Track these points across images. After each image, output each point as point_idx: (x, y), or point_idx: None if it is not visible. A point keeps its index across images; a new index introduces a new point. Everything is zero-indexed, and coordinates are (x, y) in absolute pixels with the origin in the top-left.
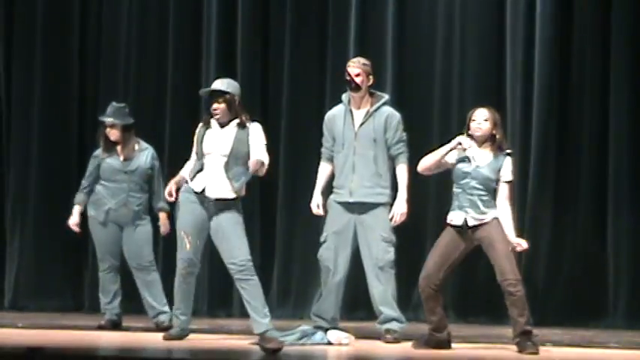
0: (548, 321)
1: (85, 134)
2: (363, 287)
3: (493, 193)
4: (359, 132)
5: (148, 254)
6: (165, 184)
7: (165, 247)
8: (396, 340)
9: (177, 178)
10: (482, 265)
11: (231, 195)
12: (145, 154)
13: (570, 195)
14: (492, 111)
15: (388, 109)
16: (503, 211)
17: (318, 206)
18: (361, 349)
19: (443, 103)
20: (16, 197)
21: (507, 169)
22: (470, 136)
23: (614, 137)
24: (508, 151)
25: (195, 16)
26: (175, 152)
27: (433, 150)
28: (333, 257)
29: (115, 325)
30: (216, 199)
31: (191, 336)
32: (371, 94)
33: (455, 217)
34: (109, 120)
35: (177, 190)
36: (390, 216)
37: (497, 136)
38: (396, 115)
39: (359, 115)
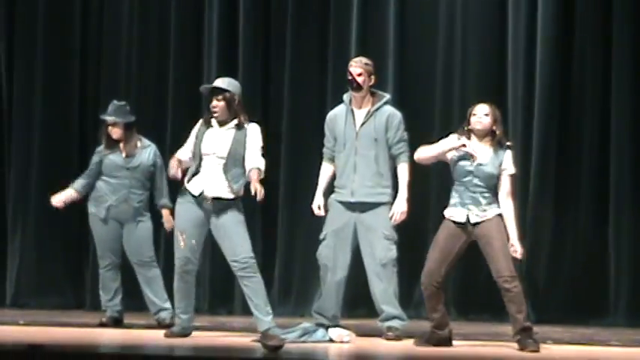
0: (549, 319)
1: (86, 134)
2: (364, 285)
3: (494, 189)
4: (360, 132)
5: (149, 250)
6: (168, 182)
7: (166, 244)
8: (398, 338)
9: (178, 157)
10: (484, 263)
11: (230, 195)
12: (147, 152)
13: (571, 194)
14: (493, 107)
15: (389, 109)
16: (506, 207)
17: (319, 207)
18: (362, 347)
19: (444, 102)
20: (17, 196)
21: (509, 161)
22: (469, 130)
23: (616, 137)
24: (508, 143)
25: (196, 16)
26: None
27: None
28: (331, 255)
29: (117, 323)
30: (216, 200)
31: (193, 333)
32: (372, 94)
33: (456, 214)
34: (110, 118)
35: (182, 177)
36: (389, 215)
37: (497, 132)
38: (398, 115)
39: (360, 114)
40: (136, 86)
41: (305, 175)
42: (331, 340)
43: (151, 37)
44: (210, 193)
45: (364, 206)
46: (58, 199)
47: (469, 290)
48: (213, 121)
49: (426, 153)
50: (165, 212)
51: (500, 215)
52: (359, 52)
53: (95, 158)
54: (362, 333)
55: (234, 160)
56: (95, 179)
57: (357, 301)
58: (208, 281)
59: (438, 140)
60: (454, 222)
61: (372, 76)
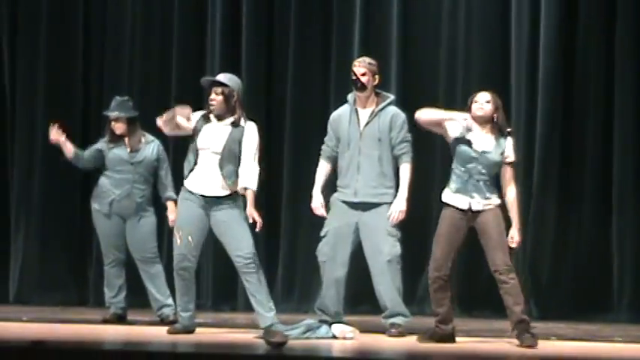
0: (552, 315)
1: (89, 133)
2: (367, 281)
3: (496, 178)
4: (364, 132)
5: (152, 246)
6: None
7: (169, 241)
8: (401, 334)
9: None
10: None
11: (226, 192)
12: (151, 147)
13: (574, 191)
14: (495, 95)
15: (393, 109)
16: (509, 195)
17: (321, 205)
18: (366, 343)
19: (447, 103)
20: (20, 195)
21: (510, 149)
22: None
23: (619, 135)
24: (509, 130)
25: (199, 15)
26: (179, 152)
27: (436, 144)
28: (331, 252)
29: (120, 319)
30: (212, 197)
31: (196, 330)
32: (376, 94)
33: (458, 201)
34: (113, 114)
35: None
36: (388, 213)
37: (499, 120)
38: (401, 115)
39: (364, 114)
40: (138, 86)
41: (308, 174)
42: (334, 337)
43: (154, 36)
44: (206, 192)
45: (367, 206)
46: (58, 137)
47: (472, 287)
48: (212, 116)
49: (430, 115)
50: (170, 204)
51: (499, 206)
52: (362, 52)
53: (98, 145)
54: (365, 329)
55: (229, 157)
56: (91, 159)
57: (361, 297)
58: (211, 278)
59: (441, 144)
60: (456, 208)
61: (376, 76)
